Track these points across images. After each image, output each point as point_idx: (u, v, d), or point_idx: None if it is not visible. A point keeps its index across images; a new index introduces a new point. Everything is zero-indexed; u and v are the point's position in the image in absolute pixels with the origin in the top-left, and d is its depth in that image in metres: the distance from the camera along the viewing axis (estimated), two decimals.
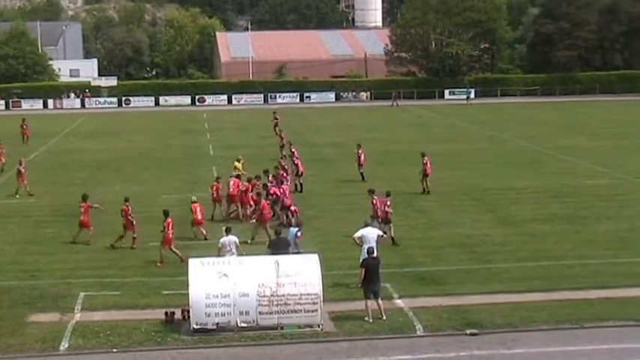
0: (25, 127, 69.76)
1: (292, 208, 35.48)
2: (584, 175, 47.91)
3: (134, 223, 32.39)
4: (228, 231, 27.51)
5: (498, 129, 73.65)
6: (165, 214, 30.52)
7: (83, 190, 38.61)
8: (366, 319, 23.51)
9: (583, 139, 65.29)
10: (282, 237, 27.56)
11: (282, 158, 47.85)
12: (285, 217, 35.19)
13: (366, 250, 25.83)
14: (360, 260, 26.71)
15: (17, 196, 43.54)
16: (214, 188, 37.59)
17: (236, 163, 45.30)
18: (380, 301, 23.79)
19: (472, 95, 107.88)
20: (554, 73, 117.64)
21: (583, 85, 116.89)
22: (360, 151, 47.78)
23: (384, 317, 23.55)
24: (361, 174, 46.61)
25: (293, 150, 47.48)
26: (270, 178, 38.40)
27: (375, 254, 24.71)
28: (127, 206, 32.54)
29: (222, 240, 27.11)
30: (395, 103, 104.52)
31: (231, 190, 37.35)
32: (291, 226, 30.79)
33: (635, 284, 26.55)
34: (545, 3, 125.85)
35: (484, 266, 28.91)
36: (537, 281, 27.13)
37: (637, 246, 31.66)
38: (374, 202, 32.60)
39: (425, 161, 43.06)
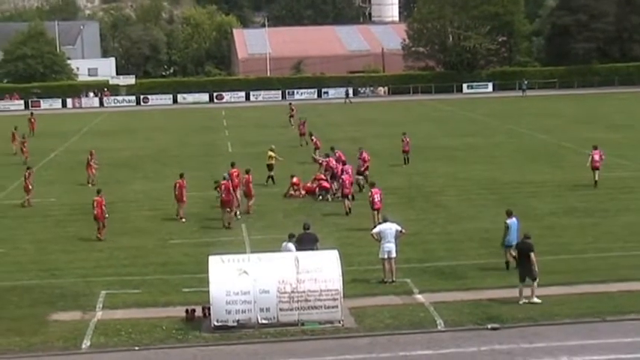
0: (32, 120, 74.48)
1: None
2: (603, 168, 47.61)
3: (106, 214, 33.68)
4: (291, 237, 26.19)
5: (516, 122, 73.39)
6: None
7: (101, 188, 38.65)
8: (521, 302, 24.33)
9: (602, 132, 64.83)
10: (310, 232, 26.84)
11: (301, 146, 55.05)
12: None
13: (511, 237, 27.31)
14: (379, 256, 26.73)
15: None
16: (222, 188, 35.74)
17: (270, 153, 46.24)
18: (534, 285, 24.50)
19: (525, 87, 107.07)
20: (572, 66, 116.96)
21: (602, 76, 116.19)
22: (405, 139, 51.77)
23: (534, 300, 24.28)
24: (405, 158, 51.38)
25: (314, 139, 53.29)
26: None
27: (528, 238, 25.15)
28: (101, 197, 33.97)
29: (283, 245, 25.95)
30: (348, 100, 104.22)
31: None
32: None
33: None
34: None
35: (503, 260, 28.81)
36: (557, 275, 27.02)
37: None
38: (371, 194, 33.90)
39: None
